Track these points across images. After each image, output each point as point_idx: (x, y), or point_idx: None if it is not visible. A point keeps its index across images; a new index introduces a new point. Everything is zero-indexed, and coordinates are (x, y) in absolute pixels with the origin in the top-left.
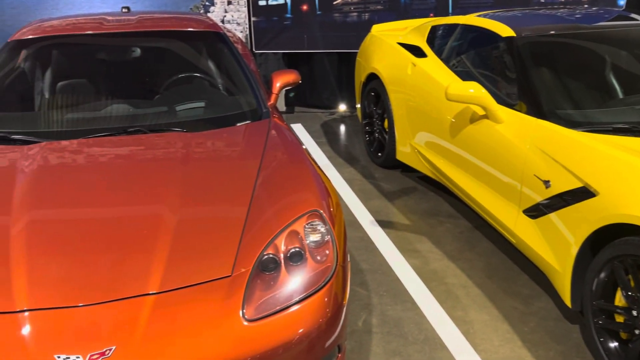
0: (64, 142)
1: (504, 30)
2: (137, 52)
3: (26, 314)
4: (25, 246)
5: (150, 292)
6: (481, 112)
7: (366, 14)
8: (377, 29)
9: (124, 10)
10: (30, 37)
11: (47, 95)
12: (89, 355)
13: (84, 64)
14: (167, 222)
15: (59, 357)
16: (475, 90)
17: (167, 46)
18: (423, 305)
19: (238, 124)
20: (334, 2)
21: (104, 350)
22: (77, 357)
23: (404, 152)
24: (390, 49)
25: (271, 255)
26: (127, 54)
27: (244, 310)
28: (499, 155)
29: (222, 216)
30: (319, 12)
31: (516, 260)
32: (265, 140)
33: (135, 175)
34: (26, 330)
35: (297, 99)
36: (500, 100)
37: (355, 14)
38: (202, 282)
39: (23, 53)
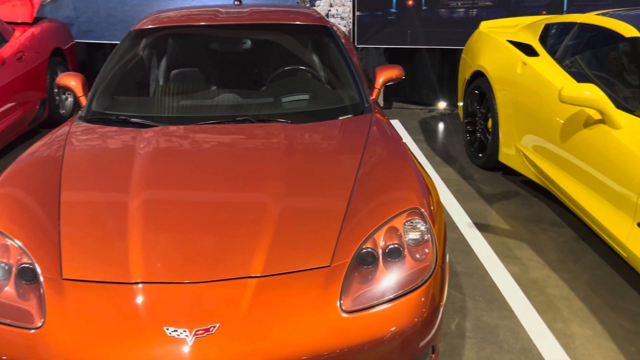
0: (178, 127)
1: (628, 30)
2: (248, 43)
3: (139, 285)
4: (141, 222)
5: (253, 275)
6: (597, 116)
7: (474, 11)
8: (485, 25)
9: (236, 3)
10: (150, 27)
11: (162, 82)
12: (194, 330)
13: (197, 54)
14: (270, 210)
15: (167, 329)
16: (591, 92)
17: (276, 39)
18: (521, 314)
19: (340, 118)
20: None
21: (209, 327)
22: (184, 331)
23: (507, 154)
24: (499, 47)
25: (370, 250)
26: (237, 45)
27: (342, 302)
28: (615, 162)
29: (322, 207)
30: (424, 8)
31: (625, 275)
32: (367, 134)
33: (242, 163)
34: (139, 300)
35: (396, 94)
36: (618, 105)
37: (462, 10)
38: (302, 270)
39: (143, 42)
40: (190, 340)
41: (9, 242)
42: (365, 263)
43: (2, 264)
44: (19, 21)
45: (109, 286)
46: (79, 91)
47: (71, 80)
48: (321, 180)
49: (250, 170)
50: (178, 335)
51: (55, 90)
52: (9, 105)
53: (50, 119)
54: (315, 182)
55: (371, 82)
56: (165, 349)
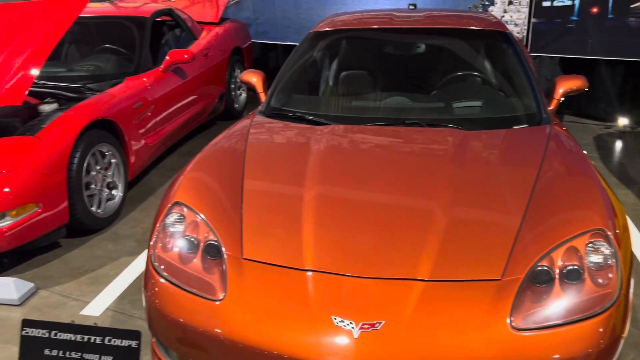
0: (349, 127)
1: None
2: (421, 47)
3: (310, 273)
4: (314, 214)
5: (420, 278)
6: None
7: None
8: None
9: (410, 7)
10: (326, 29)
11: (335, 83)
12: (361, 324)
13: (370, 56)
14: (438, 216)
15: (335, 318)
16: None
17: (450, 43)
18: None
19: (515, 127)
20: (632, 5)
21: (375, 322)
22: (350, 323)
23: None
24: None
25: (545, 268)
26: (410, 49)
27: (512, 318)
28: None
29: (493, 219)
30: (610, 16)
31: None
32: (545, 146)
33: (410, 166)
34: (309, 287)
35: (568, 106)
36: None
37: None
38: (470, 280)
39: (320, 43)
40: (356, 332)
41: (199, 219)
42: (539, 281)
43: (192, 238)
44: (207, 21)
45: (283, 270)
46: (259, 87)
47: (253, 77)
48: (493, 191)
49: (419, 174)
50: (345, 325)
51: (232, 85)
52: (195, 96)
53: (226, 111)
54: (487, 193)
55: (547, 91)
56: (332, 337)
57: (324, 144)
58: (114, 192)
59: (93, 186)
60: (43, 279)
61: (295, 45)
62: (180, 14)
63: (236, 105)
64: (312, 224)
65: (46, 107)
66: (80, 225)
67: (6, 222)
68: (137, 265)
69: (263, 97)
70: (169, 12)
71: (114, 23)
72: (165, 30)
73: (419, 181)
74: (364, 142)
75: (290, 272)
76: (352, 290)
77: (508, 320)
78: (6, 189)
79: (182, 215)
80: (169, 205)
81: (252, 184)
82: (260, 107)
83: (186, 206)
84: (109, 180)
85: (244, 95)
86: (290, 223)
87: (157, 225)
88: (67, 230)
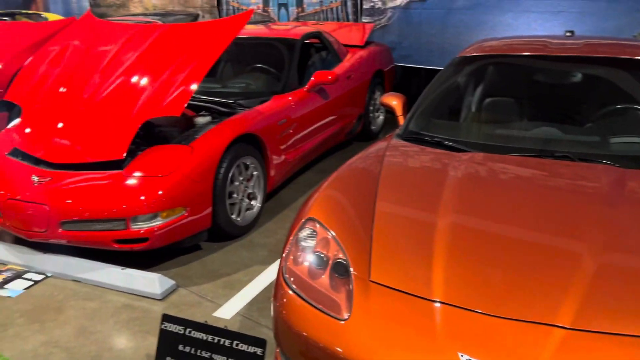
0: (491, 156)
1: None
2: (577, 77)
3: (438, 305)
4: (447, 244)
5: (560, 325)
6: None
7: None
8: None
9: (567, 34)
10: (474, 54)
11: (480, 109)
12: None
13: (520, 84)
14: (586, 259)
15: (462, 355)
16: None
17: (611, 74)
18: None
19: None
20: None
21: None
22: None
23: None
24: None
25: None
26: (564, 78)
27: None
28: None
29: None
30: None
31: None
32: None
33: (558, 202)
34: (437, 319)
35: None
36: None
37: None
38: (621, 334)
39: (466, 68)
40: None
41: (330, 236)
42: None
43: (322, 255)
44: (353, 44)
45: (410, 298)
46: (398, 110)
47: (393, 100)
48: None
49: (566, 212)
50: None
51: (371, 107)
52: (334, 116)
53: (363, 132)
54: None
55: None
56: None
57: (462, 171)
58: (253, 202)
59: (235, 195)
60: (183, 278)
61: (438, 69)
62: (328, 37)
63: (373, 127)
64: (445, 253)
65: (200, 120)
66: (220, 231)
67: (157, 222)
68: (268, 275)
69: (402, 120)
70: (317, 35)
71: (266, 44)
72: (313, 51)
73: (565, 219)
74: (505, 172)
75: (418, 301)
76: (483, 328)
77: None
78: (160, 192)
79: (314, 230)
80: (303, 220)
81: (385, 206)
82: (398, 130)
83: (319, 222)
84: (249, 191)
85: (381, 117)
86: (421, 250)
87: (291, 238)
88: (207, 234)
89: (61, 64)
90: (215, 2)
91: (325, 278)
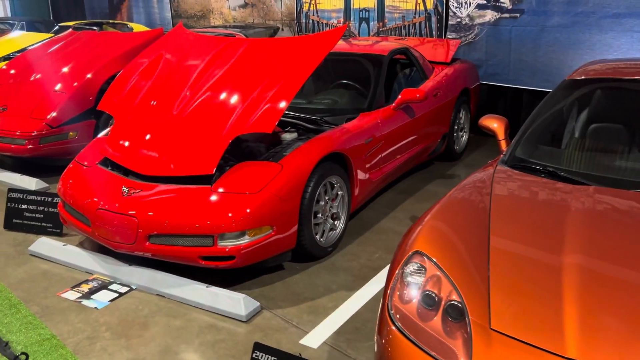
0: (614, 190)
1: None
2: None
3: None
4: (578, 290)
5: None
6: None
7: None
8: None
9: None
10: (583, 77)
11: (593, 137)
12: None
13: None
14: None
15: None
16: None
17: None
18: None
19: None
20: None
21: None
22: None
23: None
24: None
25: None
26: None
27: None
28: None
29: None
30: None
31: None
32: None
33: None
34: None
35: None
36: None
37: None
38: None
39: (575, 92)
40: None
41: (441, 274)
42: None
43: (433, 294)
44: (438, 61)
45: (540, 353)
46: (500, 134)
47: (494, 123)
48: None
49: None
50: None
51: (455, 127)
52: (419, 135)
53: (445, 153)
54: None
55: None
56: None
57: (584, 207)
58: (336, 222)
59: (320, 215)
60: (267, 299)
61: (528, 89)
62: (414, 53)
63: (456, 147)
64: (577, 302)
65: (287, 136)
66: (304, 252)
67: (244, 241)
68: (354, 302)
69: (504, 144)
70: (404, 51)
71: (352, 60)
72: (398, 68)
73: None
74: (632, 209)
75: (549, 357)
76: None
77: None
78: (248, 210)
79: (422, 266)
80: (410, 254)
81: (500, 242)
82: (502, 156)
83: (427, 257)
84: (333, 211)
85: (465, 137)
86: (548, 296)
87: (396, 272)
88: (291, 254)
89: (153, 76)
90: (294, 16)
91: (437, 320)
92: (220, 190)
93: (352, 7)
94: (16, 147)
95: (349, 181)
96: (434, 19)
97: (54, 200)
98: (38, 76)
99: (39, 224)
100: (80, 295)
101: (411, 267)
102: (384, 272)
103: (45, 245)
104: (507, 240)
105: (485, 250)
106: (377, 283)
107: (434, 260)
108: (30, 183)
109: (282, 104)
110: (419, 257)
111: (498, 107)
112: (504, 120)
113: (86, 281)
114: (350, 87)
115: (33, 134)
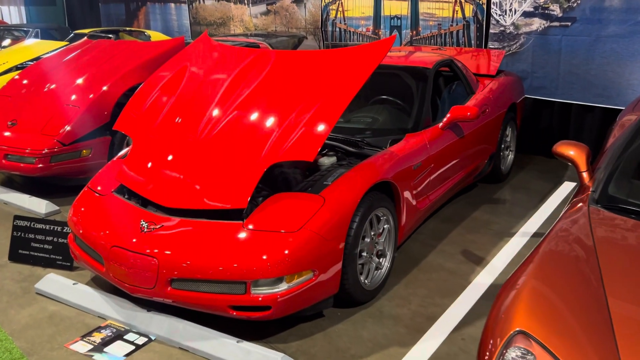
0: None
1: None
2: None
3: None
4: None
5: None
6: None
7: None
8: None
9: None
10: None
11: None
12: None
13: None
14: None
15: None
16: None
17: None
18: None
19: None
20: None
21: None
22: None
23: None
24: None
25: None
26: None
27: None
28: None
29: None
30: None
31: None
32: None
33: None
34: None
35: None
36: None
37: None
38: None
39: None
40: None
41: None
42: None
43: None
44: (483, 73)
45: None
46: (582, 165)
47: (571, 150)
48: None
49: None
50: None
51: (502, 145)
52: (467, 157)
53: (490, 174)
54: None
55: None
56: None
57: None
58: (381, 260)
59: (365, 254)
60: (307, 356)
61: (577, 104)
62: (459, 65)
63: (502, 167)
64: None
65: (325, 161)
66: (347, 297)
67: (281, 288)
68: None
69: (586, 177)
70: (449, 63)
71: (391, 73)
72: (442, 81)
73: None
74: None
75: None
76: None
77: None
78: (286, 251)
79: (529, 352)
80: (510, 334)
81: (622, 308)
82: (591, 193)
83: (535, 340)
84: (379, 247)
85: (511, 156)
86: None
87: (494, 355)
88: (333, 300)
89: (176, 93)
90: (319, 24)
91: None
92: (254, 227)
93: (382, 14)
94: (25, 166)
95: (396, 212)
96: (472, 27)
97: (65, 230)
98: (51, 87)
99: (48, 255)
100: (92, 347)
101: (514, 353)
102: (441, 322)
103: (53, 283)
104: (630, 305)
105: (605, 319)
106: (434, 338)
107: (546, 345)
108: (40, 205)
109: (325, 127)
110: (523, 339)
111: (541, 122)
112: (585, 148)
113: (98, 329)
114: (392, 104)
115: (44, 151)
